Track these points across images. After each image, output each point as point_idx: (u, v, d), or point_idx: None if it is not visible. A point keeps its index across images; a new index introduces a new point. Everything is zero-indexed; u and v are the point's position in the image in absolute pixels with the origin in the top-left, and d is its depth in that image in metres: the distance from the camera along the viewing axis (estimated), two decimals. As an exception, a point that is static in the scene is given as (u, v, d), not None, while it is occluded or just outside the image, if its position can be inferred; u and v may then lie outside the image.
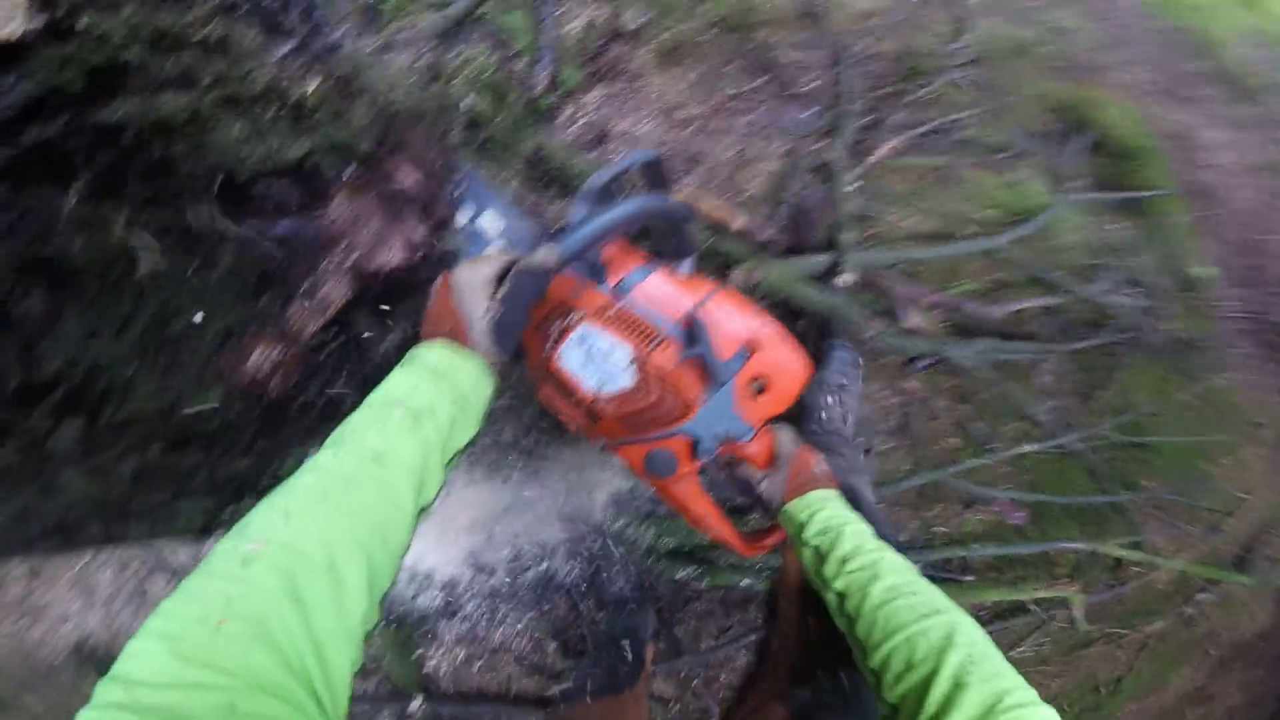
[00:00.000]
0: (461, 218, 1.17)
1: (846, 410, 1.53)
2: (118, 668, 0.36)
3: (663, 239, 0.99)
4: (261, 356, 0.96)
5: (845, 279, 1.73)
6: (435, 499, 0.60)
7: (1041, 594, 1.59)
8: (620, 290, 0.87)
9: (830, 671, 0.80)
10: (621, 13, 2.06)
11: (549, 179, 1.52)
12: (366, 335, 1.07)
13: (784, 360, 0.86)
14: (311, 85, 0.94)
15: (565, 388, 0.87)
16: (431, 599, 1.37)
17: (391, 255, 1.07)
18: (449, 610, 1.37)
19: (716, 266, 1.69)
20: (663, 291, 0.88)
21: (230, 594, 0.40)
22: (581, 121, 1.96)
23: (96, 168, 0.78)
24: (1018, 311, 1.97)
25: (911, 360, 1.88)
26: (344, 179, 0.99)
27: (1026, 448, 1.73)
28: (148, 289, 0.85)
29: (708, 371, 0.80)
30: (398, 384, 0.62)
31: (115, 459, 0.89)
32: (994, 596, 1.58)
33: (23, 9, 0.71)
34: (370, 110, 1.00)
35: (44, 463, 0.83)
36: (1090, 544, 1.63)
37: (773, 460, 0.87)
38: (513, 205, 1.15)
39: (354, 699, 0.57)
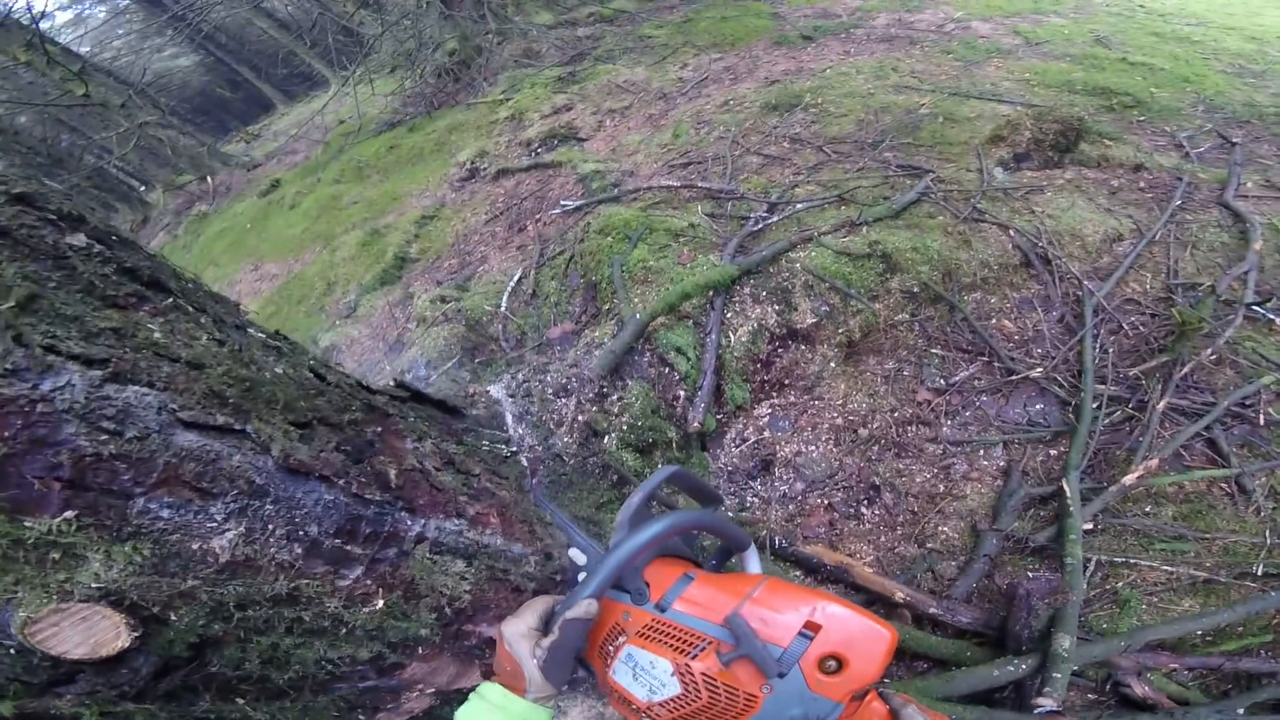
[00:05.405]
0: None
1: None
2: None
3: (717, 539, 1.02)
4: (362, 740, 1.12)
5: (1044, 704, 1.32)
6: None
7: None
8: (663, 605, 0.91)
9: None
10: (795, 307, 1.39)
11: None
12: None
13: (854, 634, 0.82)
14: (379, 603, 0.91)
15: (625, 699, 0.93)
16: None
17: (471, 680, 1.09)
18: None
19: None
20: (704, 597, 0.90)
21: None
22: (751, 441, 1.49)
23: (216, 684, 0.91)
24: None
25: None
26: (417, 655, 0.99)
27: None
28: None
29: (758, 666, 0.79)
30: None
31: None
32: None
33: (124, 627, 0.80)
34: (437, 604, 0.95)
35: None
36: None
37: None
38: (587, 537, 1.22)
39: None
